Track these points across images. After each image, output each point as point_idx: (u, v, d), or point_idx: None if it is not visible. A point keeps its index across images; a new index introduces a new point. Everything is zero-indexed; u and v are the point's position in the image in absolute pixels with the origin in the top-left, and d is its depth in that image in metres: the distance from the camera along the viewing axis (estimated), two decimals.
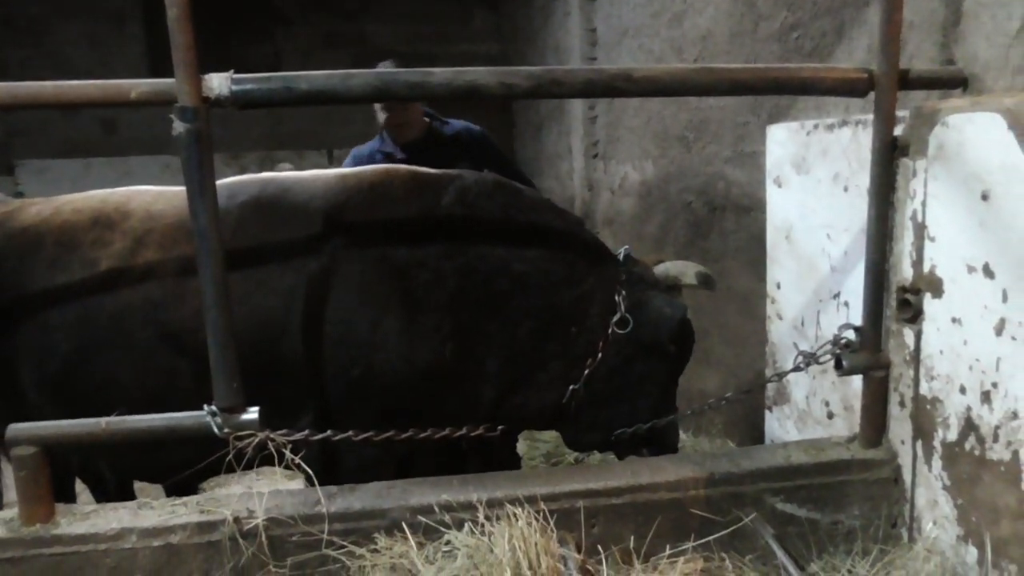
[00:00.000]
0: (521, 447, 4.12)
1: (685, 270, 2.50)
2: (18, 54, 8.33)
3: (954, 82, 2.05)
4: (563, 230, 2.43)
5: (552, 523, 1.82)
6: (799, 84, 1.94)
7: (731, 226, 3.82)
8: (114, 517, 1.86)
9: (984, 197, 1.75)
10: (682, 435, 4.47)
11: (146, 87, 1.74)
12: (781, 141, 3.17)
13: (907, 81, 1.98)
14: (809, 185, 3.00)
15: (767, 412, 3.42)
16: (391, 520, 1.87)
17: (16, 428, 1.80)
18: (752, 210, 3.58)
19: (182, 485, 2.43)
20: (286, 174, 2.40)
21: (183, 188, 2.33)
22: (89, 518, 1.86)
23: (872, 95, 1.99)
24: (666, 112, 4.59)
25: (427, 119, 3.91)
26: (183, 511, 1.88)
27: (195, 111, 1.71)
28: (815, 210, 2.95)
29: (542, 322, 2.32)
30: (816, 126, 2.96)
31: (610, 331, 2.35)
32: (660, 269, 2.52)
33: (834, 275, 2.64)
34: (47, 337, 2.24)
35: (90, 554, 1.80)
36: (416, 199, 2.30)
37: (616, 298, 2.35)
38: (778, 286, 3.26)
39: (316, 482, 1.90)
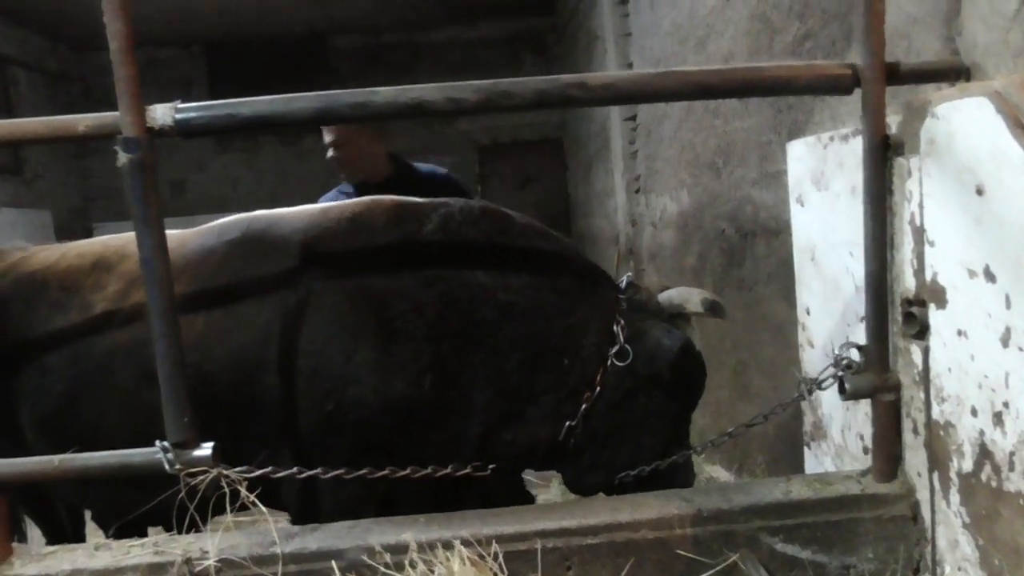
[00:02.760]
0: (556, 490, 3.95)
1: (690, 297, 2.33)
2: None
3: (954, 73, 1.87)
4: (555, 257, 2.32)
5: (515, 562, 1.68)
6: (770, 83, 1.80)
7: (762, 251, 3.63)
8: (68, 558, 1.81)
9: (979, 191, 1.56)
10: (726, 474, 4.23)
11: (92, 120, 1.74)
12: (800, 157, 3.00)
13: (898, 75, 1.82)
14: (828, 201, 2.82)
15: (805, 448, 3.19)
16: (348, 561, 1.77)
17: None
18: (780, 233, 3.40)
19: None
20: (274, 210, 2.38)
21: (181, 231, 2.37)
22: (44, 559, 1.82)
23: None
24: (697, 139, 4.45)
25: (394, 162, 3.73)
26: (137, 552, 1.82)
27: (138, 142, 1.69)
28: (836, 227, 2.76)
29: (531, 353, 2.19)
30: (832, 138, 2.78)
31: (608, 363, 2.20)
32: (664, 296, 2.37)
33: (859, 295, 2.43)
34: (43, 378, 2.26)
35: None
36: (397, 228, 2.24)
37: (615, 328, 2.22)
38: (807, 311, 3.05)
39: (271, 522, 1.81)
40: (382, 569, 1.67)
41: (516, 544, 1.77)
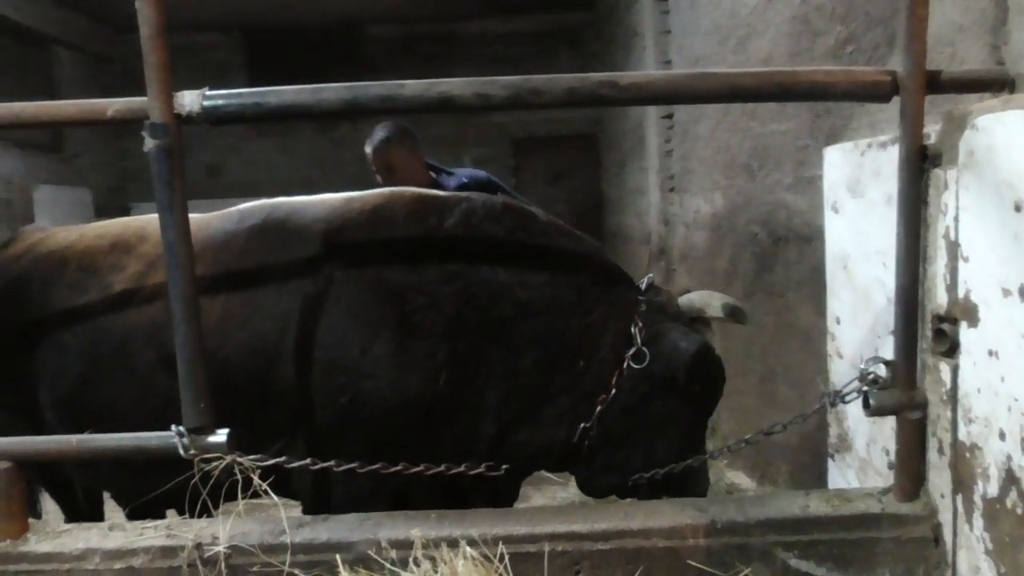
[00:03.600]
0: None
1: (710, 301, 2.29)
2: None
3: (998, 84, 1.81)
4: (576, 256, 2.29)
5: (524, 564, 1.66)
6: (807, 88, 1.75)
7: (794, 257, 3.57)
8: (83, 537, 1.83)
9: (1017, 208, 1.51)
10: (748, 481, 4.18)
11: (121, 105, 1.75)
12: (836, 163, 2.93)
13: (939, 84, 1.76)
14: (863, 209, 2.75)
15: (829, 460, 3.13)
16: (356, 554, 1.77)
17: None
18: (813, 239, 3.33)
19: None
20: (297, 198, 2.38)
21: (202, 214, 2.38)
22: (60, 536, 1.84)
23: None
24: (732, 140, 4.38)
25: (432, 173, 3.78)
26: (150, 534, 1.83)
27: (165, 127, 1.70)
28: (870, 236, 2.70)
29: (548, 353, 2.17)
30: (869, 145, 2.72)
31: (625, 365, 2.17)
32: (684, 300, 2.33)
33: (891, 308, 2.37)
34: (62, 358, 2.28)
35: (55, 573, 1.78)
36: (418, 221, 2.22)
37: (632, 329, 2.18)
38: (837, 321, 2.99)
39: (282, 511, 1.81)
40: (388, 566, 1.66)
41: (525, 546, 1.76)
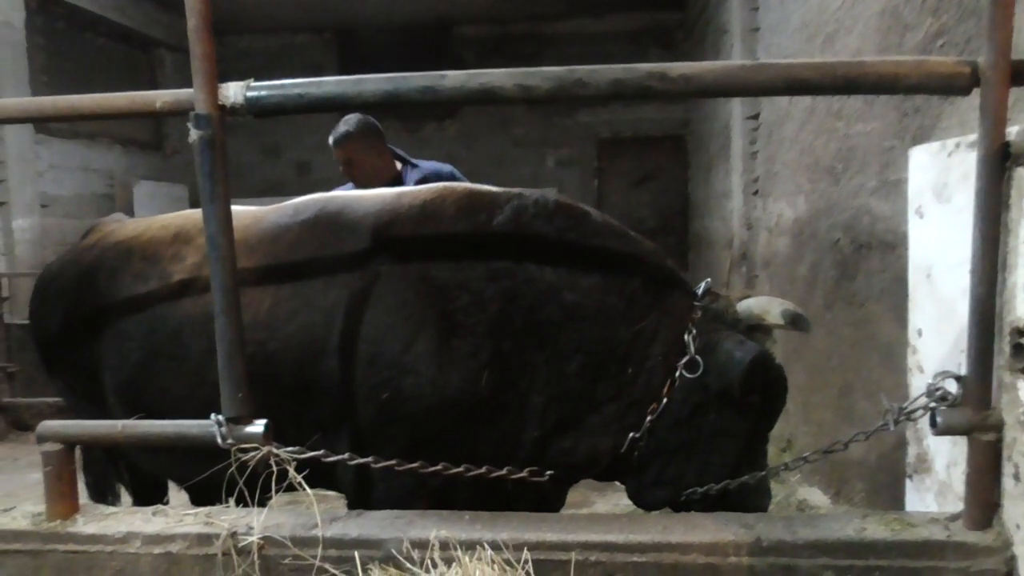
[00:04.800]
0: None
1: (769, 308, 2.16)
2: None
3: None
4: (630, 258, 2.20)
5: (556, 572, 1.60)
6: (874, 81, 1.62)
7: (876, 265, 3.36)
8: (126, 521, 1.87)
9: None
10: (822, 498, 3.97)
11: (169, 97, 1.78)
12: (922, 166, 2.75)
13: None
14: (950, 215, 2.57)
15: (907, 481, 2.93)
16: (386, 552, 1.74)
17: (45, 425, 1.87)
18: (897, 247, 3.13)
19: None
20: (351, 192, 2.39)
21: (259, 207, 2.42)
22: (106, 519, 1.89)
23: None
24: (817, 142, 4.19)
25: (399, 164, 3.83)
26: (190, 520, 1.86)
27: (209, 118, 1.72)
28: (956, 244, 2.50)
29: (595, 359, 2.09)
30: (957, 145, 2.53)
31: (677, 374, 2.07)
32: (743, 306, 2.20)
33: None
34: (123, 346, 2.34)
35: (98, 555, 1.82)
36: (466, 217, 2.19)
37: (686, 337, 2.08)
38: (919, 333, 2.80)
39: (315, 504, 1.80)
40: (407, 564, 1.63)
41: (556, 553, 1.70)
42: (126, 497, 2.87)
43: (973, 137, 2.23)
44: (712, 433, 2.10)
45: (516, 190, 2.28)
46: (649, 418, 2.07)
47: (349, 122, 3.71)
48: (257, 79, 1.80)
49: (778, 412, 2.23)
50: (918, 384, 2.72)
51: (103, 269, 2.45)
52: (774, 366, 2.12)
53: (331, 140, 3.74)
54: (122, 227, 2.62)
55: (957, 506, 2.18)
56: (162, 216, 2.64)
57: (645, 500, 2.21)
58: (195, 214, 2.53)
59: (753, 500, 2.17)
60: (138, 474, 2.76)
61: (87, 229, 2.85)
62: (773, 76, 1.65)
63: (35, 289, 2.69)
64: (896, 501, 3.20)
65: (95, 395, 2.45)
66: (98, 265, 2.47)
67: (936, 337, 2.68)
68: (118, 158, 8.03)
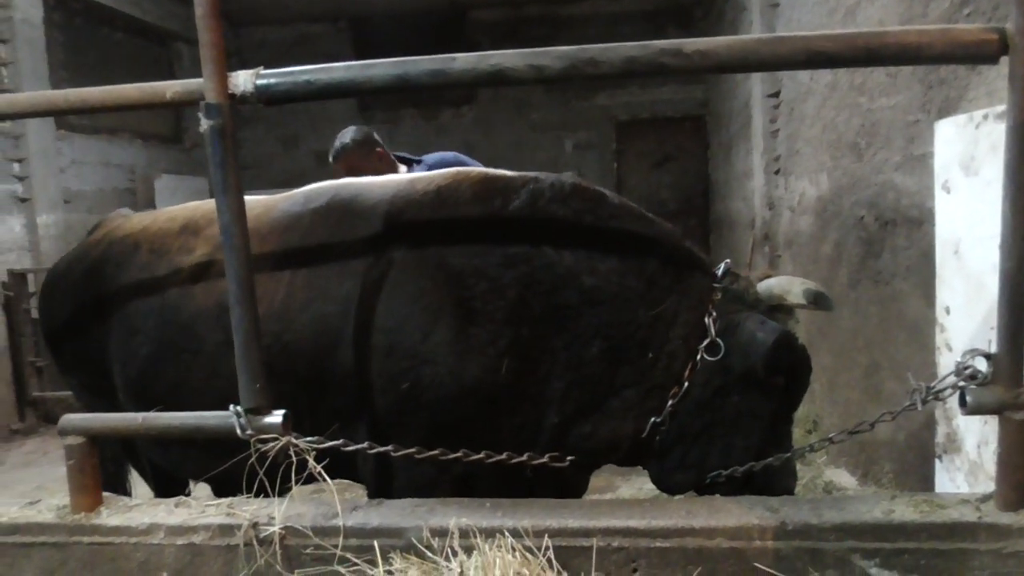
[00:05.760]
0: None
1: (791, 287, 2.11)
2: None
3: None
4: (648, 241, 2.16)
5: (578, 558, 1.58)
6: (896, 51, 1.57)
7: (902, 242, 3.30)
8: (150, 512, 1.88)
9: None
10: (850, 480, 3.92)
11: (179, 87, 1.77)
12: (948, 139, 2.69)
13: None
14: (978, 188, 2.51)
15: (937, 462, 2.88)
16: (407, 540, 1.73)
17: (67, 419, 1.88)
18: (923, 223, 3.07)
19: None
20: (363, 179, 2.36)
21: (268, 196, 2.40)
22: (130, 511, 1.90)
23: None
24: (839, 118, 4.11)
25: (404, 166, 3.82)
26: (212, 512, 1.86)
27: (219, 107, 1.71)
28: (984, 218, 2.45)
29: (614, 343, 2.06)
30: (985, 117, 2.47)
31: (698, 357, 2.04)
32: (763, 287, 2.16)
33: None
34: (132, 339, 2.33)
35: (122, 547, 1.83)
36: (482, 203, 2.16)
37: (706, 319, 2.05)
38: (947, 311, 2.75)
39: (334, 494, 1.80)
40: (428, 553, 1.62)
41: (579, 539, 1.68)
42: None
43: (1002, 108, 2.18)
44: (735, 415, 2.07)
45: (531, 174, 2.25)
46: (670, 402, 2.04)
47: (344, 136, 3.76)
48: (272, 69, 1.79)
49: (802, 392, 2.20)
50: (946, 363, 2.68)
51: (110, 264, 2.44)
52: (797, 346, 2.08)
53: (331, 158, 3.77)
54: (128, 221, 2.61)
55: (988, 486, 2.13)
56: (168, 209, 2.63)
57: (668, 484, 2.18)
58: (202, 205, 2.52)
59: (779, 482, 2.14)
60: (158, 471, 2.77)
61: (94, 225, 2.84)
62: (792, 49, 1.60)
63: (44, 287, 2.70)
64: (925, 482, 3.16)
65: (107, 391, 2.45)
66: (105, 260, 2.46)
67: (965, 314, 2.62)
68: (139, 152, 8.07)
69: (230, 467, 1.98)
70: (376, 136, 3.81)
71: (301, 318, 2.11)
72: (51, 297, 2.63)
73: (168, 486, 2.76)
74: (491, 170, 2.30)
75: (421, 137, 10.04)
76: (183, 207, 2.57)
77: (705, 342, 2.03)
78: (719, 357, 2.01)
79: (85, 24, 7.57)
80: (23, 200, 6.18)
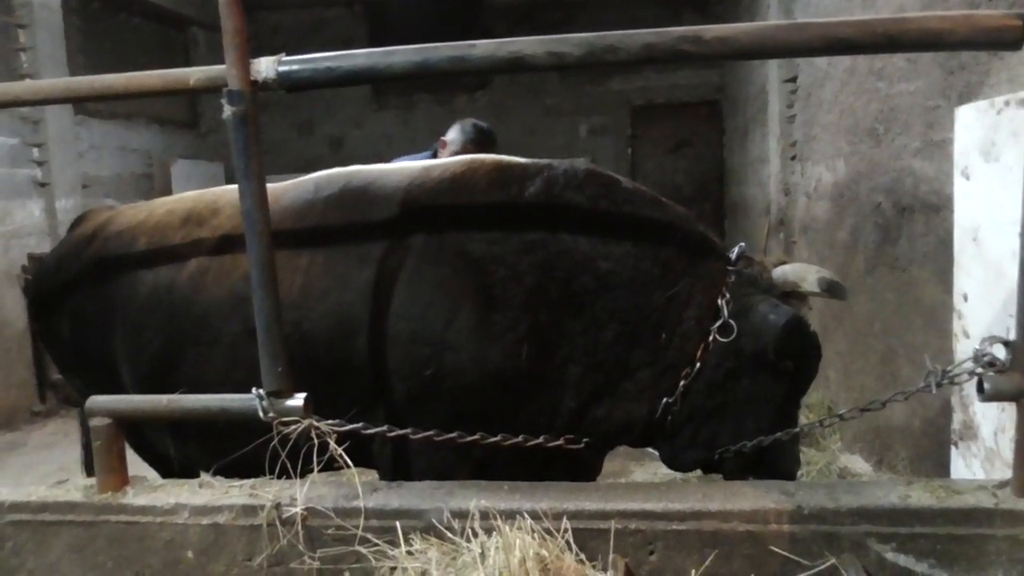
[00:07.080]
0: None
1: (805, 274, 2.12)
2: None
3: None
4: (662, 225, 2.17)
5: (595, 540, 1.61)
6: (917, 37, 1.56)
7: (920, 228, 3.29)
8: (175, 492, 1.92)
9: None
10: (864, 466, 3.93)
11: (202, 74, 1.79)
12: (968, 124, 2.67)
13: None
14: (998, 175, 2.50)
15: (952, 448, 2.89)
16: (427, 522, 1.76)
17: (93, 400, 1.92)
18: (941, 209, 3.06)
19: None
20: (375, 166, 2.37)
21: (275, 184, 2.41)
22: (155, 491, 1.93)
23: None
24: (857, 103, 4.08)
25: None
26: (235, 492, 1.89)
27: (242, 94, 1.72)
28: (1004, 205, 2.44)
29: (629, 326, 2.08)
30: (1007, 103, 2.46)
31: (711, 339, 2.06)
32: (778, 273, 2.17)
33: None
34: (139, 336, 2.32)
35: (148, 526, 1.87)
36: (498, 190, 2.17)
37: (719, 302, 2.06)
38: (965, 298, 2.74)
39: (355, 476, 1.83)
40: (448, 534, 1.65)
41: (596, 522, 1.70)
42: None
43: (1023, 94, 2.17)
44: (746, 397, 2.09)
45: (544, 161, 2.26)
46: (683, 383, 2.07)
47: (468, 125, 3.69)
48: (289, 54, 1.81)
49: (812, 376, 2.22)
50: (963, 350, 2.67)
51: (108, 259, 2.40)
52: (808, 330, 2.10)
53: (455, 134, 3.67)
54: (120, 214, 2.57)
55: (1005, 473, 2.14)
56: (161, 200, 2.60)
57: (678, 462, 2.21)
58: (204, 195, 2.51)
59: (784, 463, 2.16)
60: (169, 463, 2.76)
61: (75, 220, 2.77)
62: (811, 35, 1.60)
63: (34, 287, 2.62)
64: (941, 469, 3.16)
65: (116, 389, 2.38)
66: (102, 256, 2.43)
67: (983, 301, 2.62)
68: (155, 137, 8.12)
69: (246, 456, 2.00)
70: (494, 139, 3.73)
71: (320, 307, 2.12)
72: (45, 298, 2.58)
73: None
74: (504, 157, 2.31)
75: (435, 122, 10.01)
76: (178, 198, 2.55)
77: (718, 323, 2.04)
78: (731, 339, 2.03)
79: (102, 9, 7.61)
80: (42, 185, 6.24)
